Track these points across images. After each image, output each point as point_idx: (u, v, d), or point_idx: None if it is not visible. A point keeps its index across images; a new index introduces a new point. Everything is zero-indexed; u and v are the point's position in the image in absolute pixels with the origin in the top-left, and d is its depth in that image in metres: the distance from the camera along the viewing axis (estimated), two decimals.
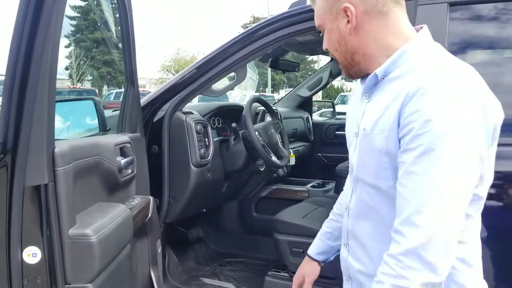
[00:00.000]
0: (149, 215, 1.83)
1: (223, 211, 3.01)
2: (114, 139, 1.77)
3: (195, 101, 7.72)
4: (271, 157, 2.51)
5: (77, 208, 1.34)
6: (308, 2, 1.81)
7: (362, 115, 1.00)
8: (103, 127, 2.04)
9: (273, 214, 2.42)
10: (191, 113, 2.39)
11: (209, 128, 2.44)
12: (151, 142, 2.25)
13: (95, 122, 2.02)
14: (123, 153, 1.77)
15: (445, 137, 0.79)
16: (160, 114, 2.29)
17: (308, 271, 1.29)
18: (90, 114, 2.03)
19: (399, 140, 0.86)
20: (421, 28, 0.97)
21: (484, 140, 0.83)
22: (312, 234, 1.38)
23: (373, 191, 0.97)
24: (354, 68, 1.02)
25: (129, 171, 1.81)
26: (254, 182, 2.94)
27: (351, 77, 1.05)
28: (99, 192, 1.57)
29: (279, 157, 2.59)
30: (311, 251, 1.32)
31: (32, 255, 1.22)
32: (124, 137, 1.86)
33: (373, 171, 0.95)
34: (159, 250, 1.99)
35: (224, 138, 2.71)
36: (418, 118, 0.81)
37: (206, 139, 2.39)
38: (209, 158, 2.36)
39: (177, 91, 2.23)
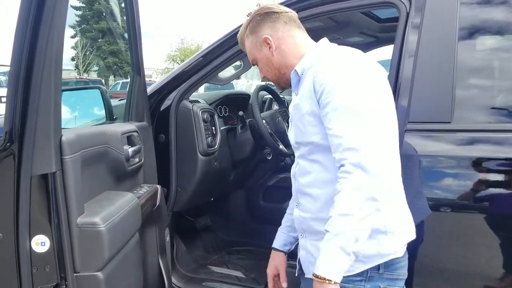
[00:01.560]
0: (157, 203, 1.82)
1: (231, 200, 3.01)
2: (121, 127, 1.77)
3: (201, 90, 7.70)
4: (279, 145, 2.49)
5: (85, 196, 1.33)
6: None
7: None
8: (110, 116, 2.03)
9: (280, 202, 2.40)
10: (198, 101, 2.38)
11: (216, 117, 2.42)
12: (158, 131, 2.24)
13: (102, 111, 2.02)
14: (130, 142, 1.76)
15: (342, 86, 1.13)
16: (166, 103, 2.27)
17: (278, 262, 1.48)
18: (96, 103, 2.03)
19: (318, 102, 1.17)
20: (322, 39, 1.35)
21: (372, 84, 1.16)
22: None
23: (309, 147, 1.24)
24: (283, 79, 1.37)
25: (137, 160, 1.81)
26: (261, 171, 2.93)
27: (282, 87, 1.43)
28: (106, 181, 1.57)
29: (287, 145, 2.58)
30: (277, 244, 1.50)
31: (40, 243, 1.22)
32: (131, 126, 1.86)
33: (305, 131, 1.23)
34: (167, 238, 2.00)
35: (231, 126, 2.70)
36: (324, 82, 1.15)
37: (213, 128, 2.38)
38: (216, 146, 2.35)
39: (184, 80, 2.21)
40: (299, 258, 1.39)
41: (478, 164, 1.53)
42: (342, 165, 1.09)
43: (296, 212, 1.34)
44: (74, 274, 1.25)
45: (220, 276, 2.39)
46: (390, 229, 1.19)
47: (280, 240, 1.50)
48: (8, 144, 1.17)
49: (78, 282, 1.26)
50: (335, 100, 1.12)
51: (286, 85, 1.38)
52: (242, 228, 2.97)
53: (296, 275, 1.47)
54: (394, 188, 1.21)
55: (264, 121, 2.45)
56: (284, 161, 3.02)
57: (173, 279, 2.26)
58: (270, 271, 1.50)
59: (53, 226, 1.22)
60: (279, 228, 1.52)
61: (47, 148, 1.20)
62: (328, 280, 1.06)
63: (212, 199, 2.69)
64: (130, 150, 1.71)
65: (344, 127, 1.10)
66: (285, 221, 1.51)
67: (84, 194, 1.32)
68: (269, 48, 1.33)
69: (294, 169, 1.36)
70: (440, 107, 1.58)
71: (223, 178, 2.57)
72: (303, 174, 1.28)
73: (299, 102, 1.24)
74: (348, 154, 1.08)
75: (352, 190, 1.06)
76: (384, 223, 1.17)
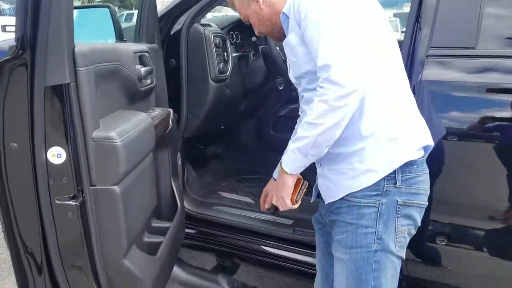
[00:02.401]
0: (170, 126, 1.81)
1: (241, 129, 3.00)
2: (133, 46, 1.71)
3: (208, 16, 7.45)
4: None
5: (100, 112, 1.31)
6: None
7: None
8: (120, 36, 1.97)
9: (291, 132, 2.38)
10: (210, 25, 2.30)
11: (228, 42, 2.35)
12: (168, 55, 2.18)
13: (111, 31, 1.95)
14: (142, 62, 1.72)
15: (317, 6, 1.17)
16: (176, 27, 2.20)
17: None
18: (106, 23, 1.95)
19: (300, 27, 1.21)
20: None
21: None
22: None
23: (307, 77, 1.26)
24: (276, 28, 1.39)
25: (149, 81, 1.77)
26: (272, 100, 2.90)
27: (278, 39, 1.45)
28: (120, 99, 1.54)
29: None
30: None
31: (56, 155, 1.21)
32: (142, 46, 1.80)
33: (300, 63, 1.26)
34: (179, 162, 2.00)
35: (242, 54, 2.63)
36: (303, 7, 1.18)
37: (225, 54, 2.32)
38: (228, 73, 2.30)
39: (195, 1, 2.12)
40: (315, 185, 1.43)
41: (500, 91, 1.49)
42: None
43: None
44: (91, 187, 1.26)
45: (230, 201, 2.43)
46: (397, 135, 1.21)
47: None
48: (20, 51, 1.13)
49: (95, 195, 1.27)
50: (310, 20, 1.17)
51: (280, 35, 1.40)
52: (252, 157, 2.98)
53: (312, 201, 1.50)
54: (395, 98, 1.24)
55: (277, 47, 2.38)
56: (295, 91, 2.98)
57: (184, 203, 2.30)
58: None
59: (69, 139, 1.20)
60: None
61: (60, 58, 1.16)
62: (285, 171, 1.28)
63: (222, 127, 2.67)
64: (143, 70, 1.67)
65: (318, 45, 1.14)
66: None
67: (98, 109, 1.30)
68: (256, 2, 1.36)
69: (301, 105, 1.39)
70: (464, 32, 1.52)
71: (234, 106, 2.54)
72: (308, 102, 1.27)
73: (288, 37, 1.28)
74: (322, 70, 1.12)
75: (318, 101, 1.12)
76: (390, 131, 1.21)
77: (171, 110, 1.87)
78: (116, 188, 1.27)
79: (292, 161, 1.25)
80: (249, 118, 2.95)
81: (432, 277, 1.69)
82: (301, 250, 2.03)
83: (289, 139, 1.35)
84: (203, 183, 2.62)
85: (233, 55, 2.45)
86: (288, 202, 1.35)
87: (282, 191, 1.33)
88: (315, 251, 1.62)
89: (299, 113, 1.46)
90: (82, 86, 1.20)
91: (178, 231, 1.84)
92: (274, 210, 1.51)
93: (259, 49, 2.46)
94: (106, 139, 1.25)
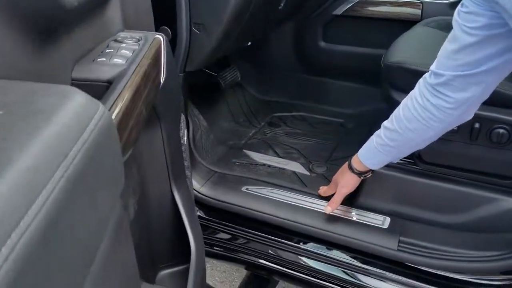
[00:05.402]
0: (162, 80, 0.78)
1: (273, 40, 1.91)
2: None
3: None
4: None
5: None
6: None
7: None
8: None
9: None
10: None
11: None
12: None
13: None
14: None
15: None
16: None
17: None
18: None
19: None
20: None
21: None
22: None
23: None
24: None
25: None
26: None
27: None
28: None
29: None
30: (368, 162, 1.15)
31: None
32: None
33: None
34: (185, 137, 0.99)
35: None
36: None
37: None
38: None
39: None
40: None
41: None
42: None
43: None
44: None
45: (262, 171, 1.48)
46: None
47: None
48: None
49: None
50: None
51: None
52: (290, 83, 1.95)
53: None
54: None
55: None
56: None
57: (193, 181, 1.36)
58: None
59: None
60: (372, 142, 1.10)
61: None
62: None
63: (249, 43, 1.60)
64: None
65: None
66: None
67: None
68: None
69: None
70: None
71: (271, 7, 1.46)
72: None
73: None
74: None
75: None
76: None
77: (159, 36, 0.81)
78: None
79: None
80: (286, 22, 1.85)
81: None
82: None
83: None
84: (219, 135, 1.64)
85: None
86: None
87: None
88: None
89: None
90: None
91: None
92: None
93: None
94: None
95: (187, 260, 0.92)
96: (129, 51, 0.72)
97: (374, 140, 1.10)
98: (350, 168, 1.18)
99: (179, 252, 0.94)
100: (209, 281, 1.66)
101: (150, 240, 0.92)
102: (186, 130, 1.10)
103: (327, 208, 1.22)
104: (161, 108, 0.82)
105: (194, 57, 1.26)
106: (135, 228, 0.86)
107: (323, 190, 1.30)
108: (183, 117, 1.02)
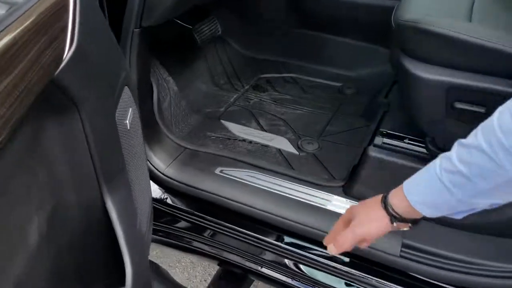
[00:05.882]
0: (70, 45, 0.52)
1: None
2: None
3: None
4: None
5: None
6: None
7: None
8: None
9: None
10: None
11: None
12: None
13: None
14: None
15: None
16: None
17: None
18: None
19: None
20: None
21: None
22: None
23: None
24: None
25: None
26: None
27: None
28: None
29: None
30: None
31: None
32: None
33: None
34: (128, 121, 0.74)
35: None
36: None
37: None
38: None
39: None
40: None
41: None
42: None
43: None
44: None
45: (246, 149, 1.24)
46: None
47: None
48: None
49: None
50: None
51: None
52: (280, 39, 1.67)
53: None
54: None
55: None
56: None
57: (156, 159, 1.13)
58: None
59: None
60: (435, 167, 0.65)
61: None
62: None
63: None
64: None
65: None
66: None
67: None
68: None
69: None
70: None
71: None
72: None
73: None
74: None
75: None
76: None
77: None
78: None
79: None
80: None
81: None
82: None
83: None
84: (193, 101, 1.38)
85: None
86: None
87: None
88: None
89: None
90: None
91: None
92: None
93: None
94: None
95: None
96: None
97: (437, 163, 0.65)
98: (384, 202, 0.72)
99: (116, 271, 0.72)
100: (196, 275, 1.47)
101: (76, 259, 0.70)
102: (138, 106, 0.84)
103: (331, 247, 0.77)
104: (77, 87, 0.56)
105: (154, 5, 0.98)
106: (51, 247, 0.63)
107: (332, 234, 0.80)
108: (128, 92, 0.76)
